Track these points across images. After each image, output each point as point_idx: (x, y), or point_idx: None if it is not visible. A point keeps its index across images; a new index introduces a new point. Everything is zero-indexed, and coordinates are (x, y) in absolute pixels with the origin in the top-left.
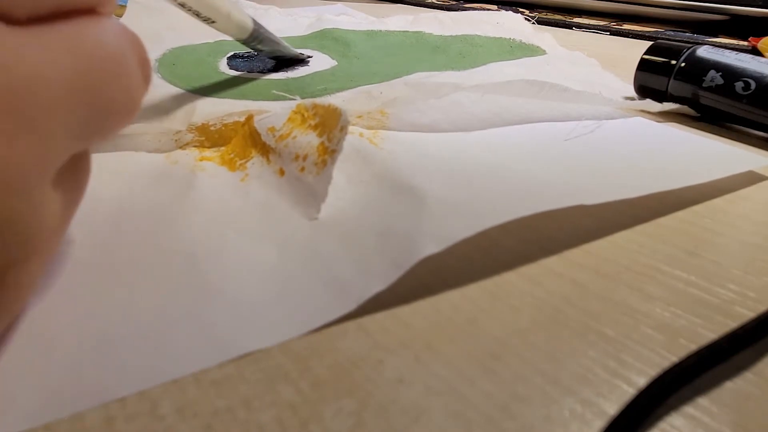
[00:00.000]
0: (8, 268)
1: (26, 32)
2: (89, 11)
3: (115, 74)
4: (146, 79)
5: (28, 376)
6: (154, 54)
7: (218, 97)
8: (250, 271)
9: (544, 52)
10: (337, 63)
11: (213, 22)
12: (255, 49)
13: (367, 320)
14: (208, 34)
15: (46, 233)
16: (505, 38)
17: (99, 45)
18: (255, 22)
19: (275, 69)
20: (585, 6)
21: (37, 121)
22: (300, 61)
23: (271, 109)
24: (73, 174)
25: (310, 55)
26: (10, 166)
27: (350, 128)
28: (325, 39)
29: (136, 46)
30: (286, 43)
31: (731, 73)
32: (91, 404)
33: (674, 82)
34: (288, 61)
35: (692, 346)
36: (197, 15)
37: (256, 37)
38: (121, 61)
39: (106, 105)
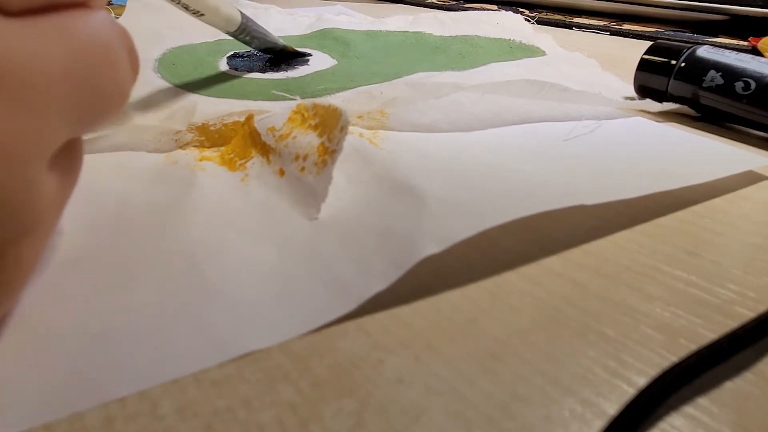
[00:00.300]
0: (7, 245)
1: (22, 22)
2: (80, 4)
3: (106, 62)
4: (134, 70)
5: (28, 376)
6: (154, 54)
7: (218, 97)
8: (250, 271)
9: (543, 53)
10: (337, 63)
11: (201, 15)
12: (244, 42)
13: (367, 320)
14: (208, 34)
15: (42, 212)
16: (505, 39)
17: (90, 34)
18: (243, 15)
19: (274, 66)
20: (585, 6)
21: (34, 104)
22: (298, 56)
23: (271, 109)
24: (66, 159)
25: (310, 53)
26: (10, 144)
27: (350, 128)
28: (325, 39)
29: (124, 37)
30: (274, 36)
31: (731, 73)
32: (91, 404)
33: (674, 82)
34: (287, 57)
35: (692, 346)
36: (186, 8)
37: (244, 29)
38: (110, 51)
39: (98, 92)
